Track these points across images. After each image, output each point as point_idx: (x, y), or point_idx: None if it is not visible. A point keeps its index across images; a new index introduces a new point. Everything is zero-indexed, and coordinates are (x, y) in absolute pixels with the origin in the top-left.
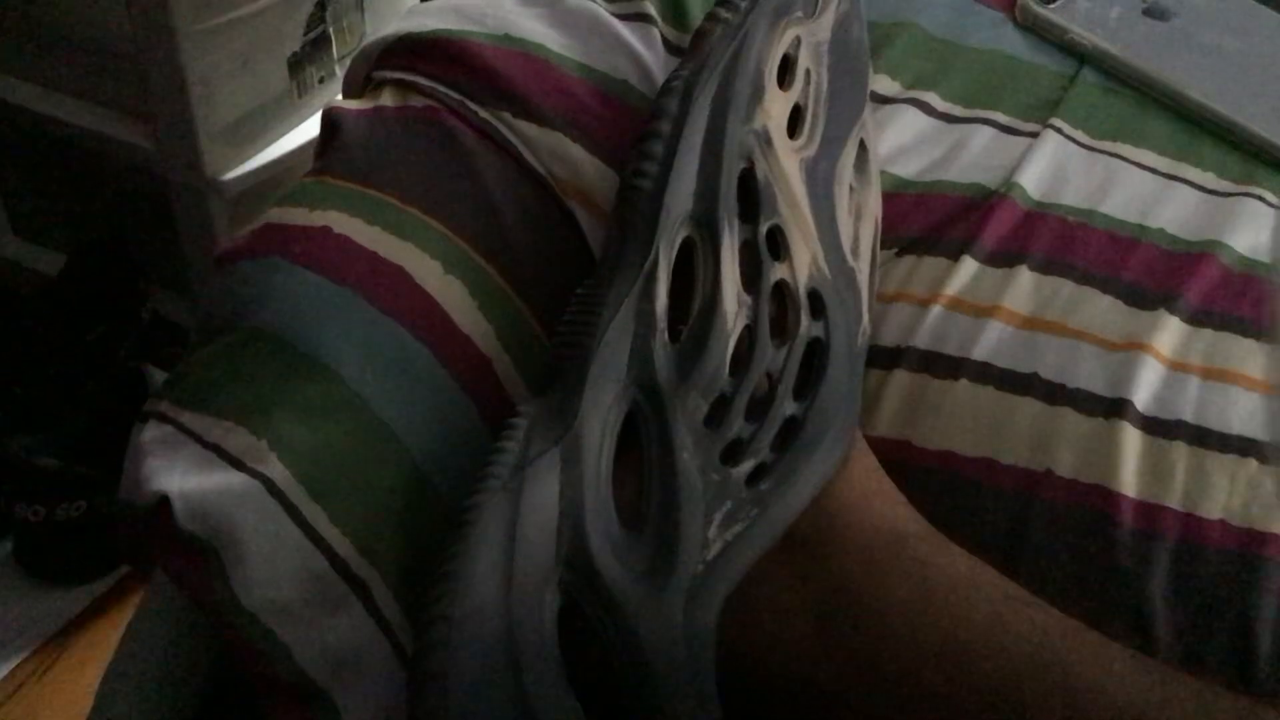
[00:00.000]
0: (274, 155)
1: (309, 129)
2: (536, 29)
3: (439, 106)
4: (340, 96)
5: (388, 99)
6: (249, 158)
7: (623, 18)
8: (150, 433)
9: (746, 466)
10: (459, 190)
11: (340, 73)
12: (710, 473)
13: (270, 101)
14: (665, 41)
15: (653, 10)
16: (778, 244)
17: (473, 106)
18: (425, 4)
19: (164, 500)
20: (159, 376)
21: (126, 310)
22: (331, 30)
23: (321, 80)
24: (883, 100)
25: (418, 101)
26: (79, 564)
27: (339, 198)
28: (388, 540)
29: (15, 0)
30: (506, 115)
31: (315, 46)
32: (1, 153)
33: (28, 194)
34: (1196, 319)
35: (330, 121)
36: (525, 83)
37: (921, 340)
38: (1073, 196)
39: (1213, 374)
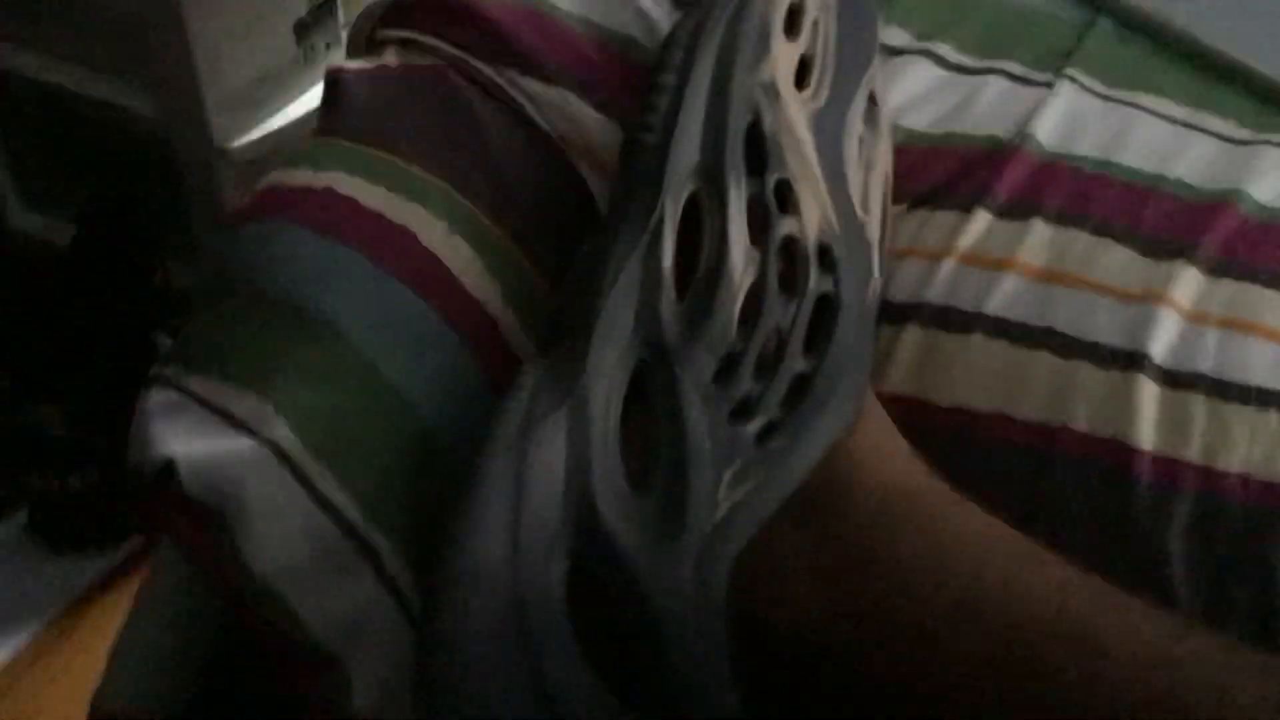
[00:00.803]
0: (282, 122)
1: (316, 96)
2: None
3: (443, 64)
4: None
5: (391, 58)
6: (256, 125)
7: None
8: (156, 398)
9: (756, 424)
10: (464, 148)
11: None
12: (719, 431)
13: (277, 68)
14: None
15: None
16: (786, 198)
17: (477, 64)
18: None
19: (170, 465)
20: (170, 344)
21: (136, 279)
22: None
23: (328, 46)
24: (893, 51)
25: (422, 60)
26: (94, 532)
27: (343, 158)
28: (396, 503)
29: None
30: (512, 73)
31: (321, 12)
32: (9, 124)
33: (36, 165)
34: (1216, 269)
35: (334, 82)
36: (530, 39)
37: (934, 295)
38: (1088, 147)
39: (1232, 325)
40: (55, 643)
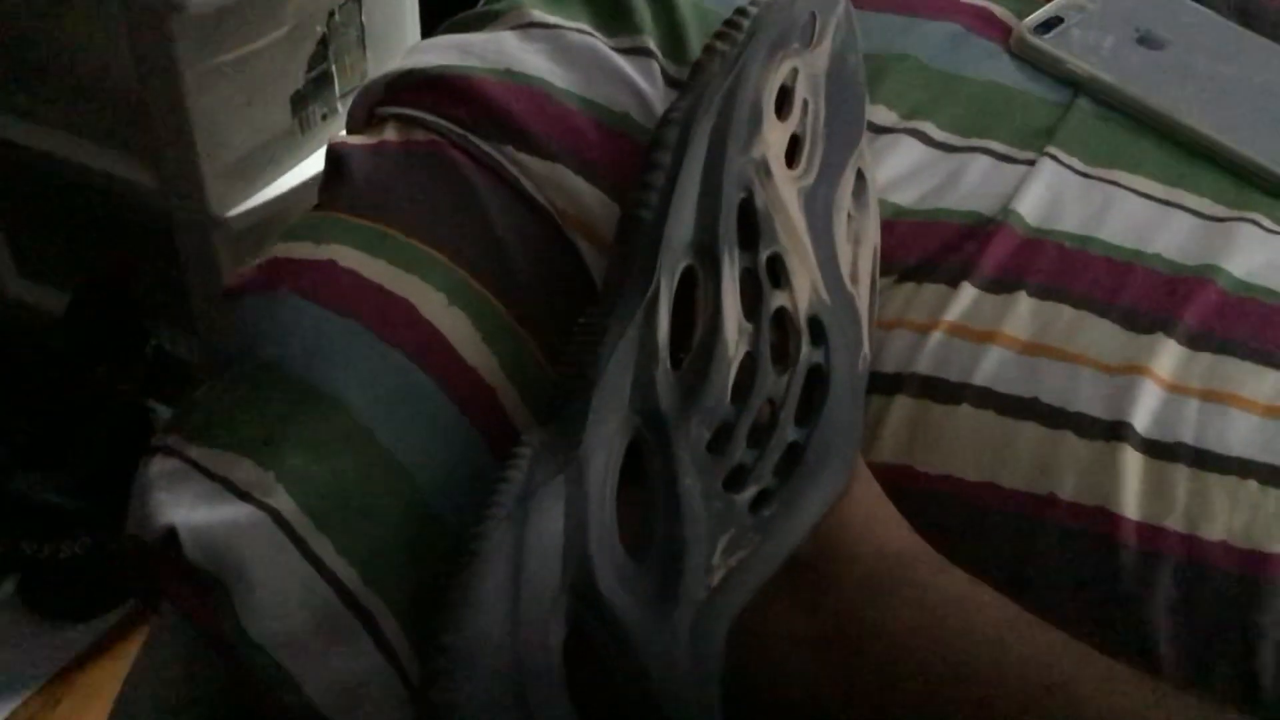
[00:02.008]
0: (278, 191)
1: (312, 165)
2: (538, 64)
3: (442, 141)
4: (344, 132)
5: (391, 134)
6: (253, 194)
7: (623, 52)
8: (157, 466)
9: (749, 493)
10: (463, 223)
11: (343, 109)
12: (713, 499)
13: (273, 138)
14: (665, 75)
15: (652, 45)
16: (778, 272)
17: (475, 140)
18: (428, 40)
19: (171, 533)
20: (164, 413)
21: (131, 347)
22: (334, 68)
23: (324, 117)
24: (880, 130)
25: (421, 136)
26: (84, 601)
27: (344, 232)
28: (394, 571)
29: (18, 41)
30: (509, 149)
31: (318, 84)
32: (6, 193)
33: (32, 233)
34: (1195, 342)
35: (335, 157)
36: (527, 117)
37: (922, 366)
38: (1070, 223)
39: (1212, 396)
40: (45, 710)
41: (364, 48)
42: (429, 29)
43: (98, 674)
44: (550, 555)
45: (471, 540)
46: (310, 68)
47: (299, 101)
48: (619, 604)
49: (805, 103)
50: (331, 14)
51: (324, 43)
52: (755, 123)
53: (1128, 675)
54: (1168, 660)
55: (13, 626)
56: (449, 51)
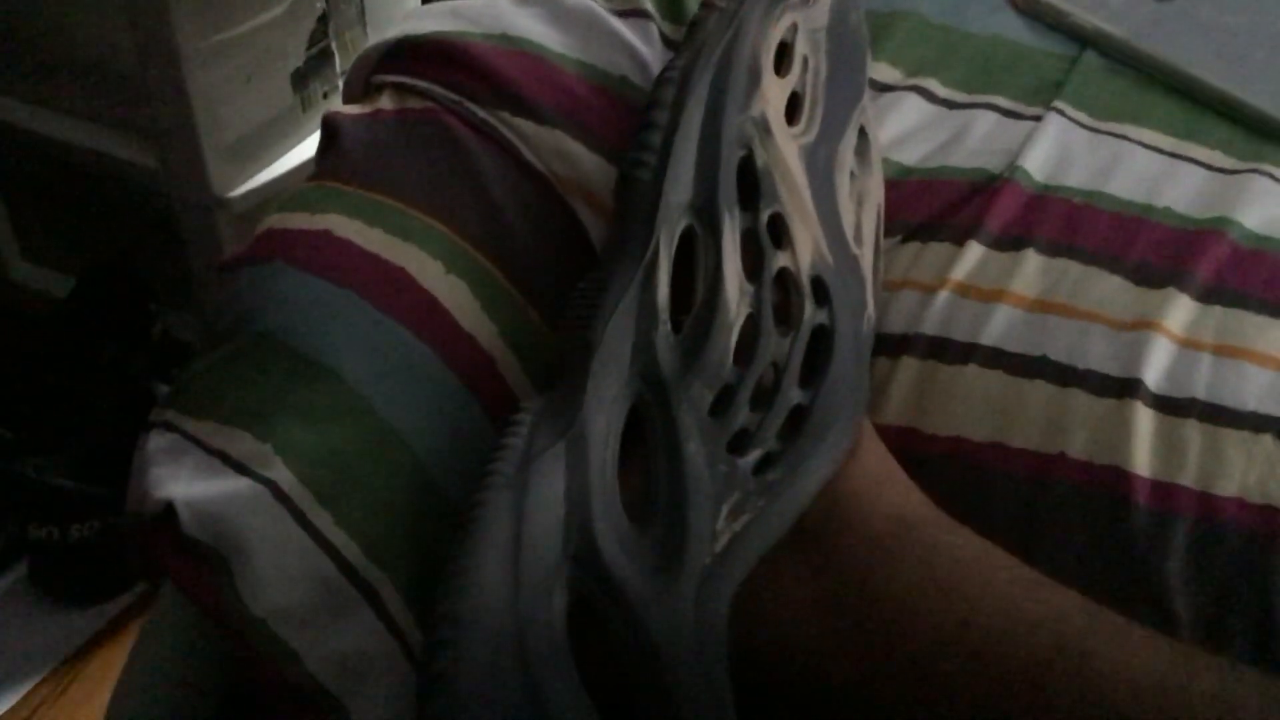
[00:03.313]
0: (280, 171)
1: (314, 144)
2: (534, 28)
3: (438, 107)
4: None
5: (386, 102)
6: (255, 174)
7: (620, 14)
8: (155, 441)
9: (753, 456)
10: (459, 190)
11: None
12: (717, 464)
13: (275, 117)
14: (663, 37)
15: (649, 6)
16: (779, 231)
17: (471, 106)
18: (424, 7)
19: (169, 508)
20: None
21: (136, 330)
22: (334, 44)
23: (325, 95)
24: (884, 88)
25: (416, 103)
26: (94, 584)
27: (339, 201)
28: (395, 543)
29: (18, 24)
30: (505, 114)
31: (318, 61)
32: (9, 177)
33: (36, 217)
34: (1207, 296)
35: (330, 127)
36: (523, 81)
37: (929, 327)
38: (1078, 178)
39: (1225, 351)
40: (56, 693)
41: (364, 24)
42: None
43: (108, 658)
44: (551, 522)
45: (471, 508)
46: (310, 45)
47: (300, 79)
48: (621, 570)
49: (805, 59)
50: None
51: (324, 20)
52: (754, 80)
53: (1142, 634)
54: (1182, 619)
55: (22, 611)
56: (444, 18)
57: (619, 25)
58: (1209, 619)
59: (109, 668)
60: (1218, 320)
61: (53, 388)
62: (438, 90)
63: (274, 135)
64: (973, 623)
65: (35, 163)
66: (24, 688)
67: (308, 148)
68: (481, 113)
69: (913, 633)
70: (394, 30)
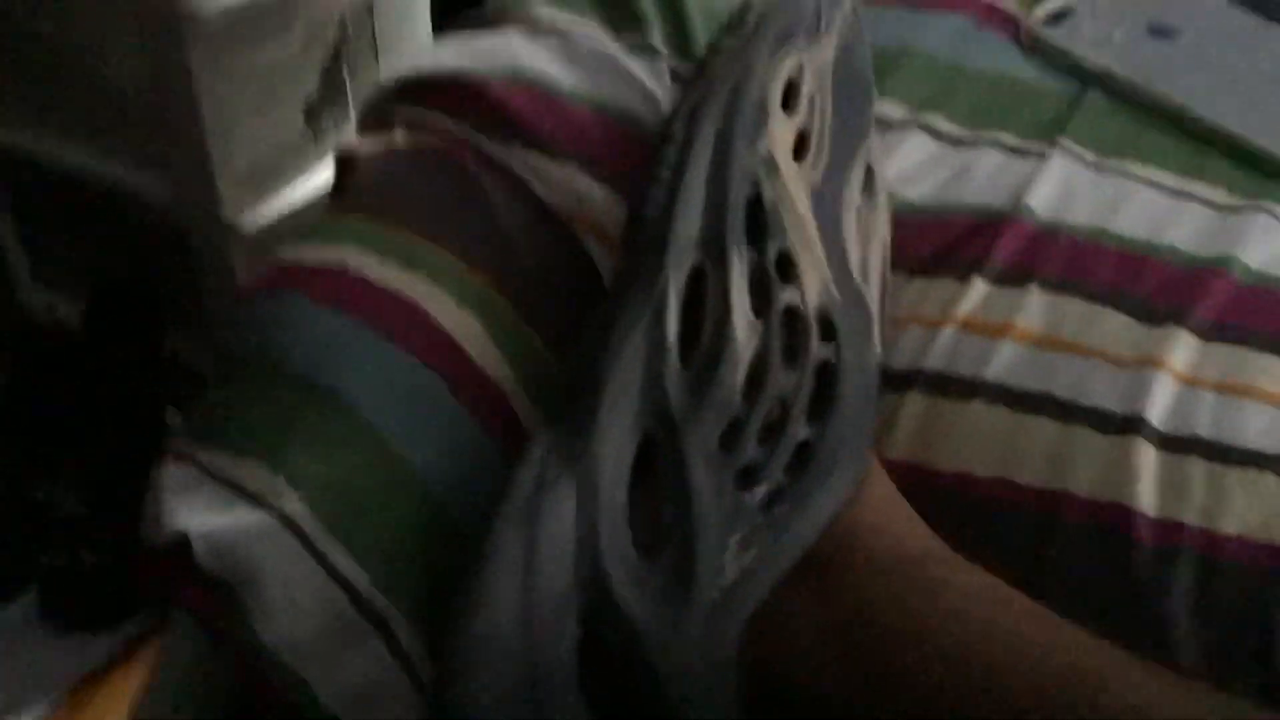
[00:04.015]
0: (293, 199)
1: (326, 173)
2: (545, 65)
3: (450, 142)
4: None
5: (400, 137)
6: (267, 201)
7: (630, 50)
8: (169, 472)
9: (761, 491)
10: (471, 224)
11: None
12: (725, 498)
13: (287, 146)
14: (672, 73)
15: (659, 43)
16: (787, 268)
17: (484, 142)
18: (437, 43)
19: (183, 539)
20: (181, 419)
21: (147, 356)
22: (347, 76)
23: (337, 125)
24: (889, 125)
25: (430, 138)
26: (105, 610)
27: (354, 235)
28: (406, 574)
29: (32, 52)
30: (517, 149)
31: (331, 92)
32: (21, 202)
33: (48, 243)
34: (1210, 334)
35: (344, 160)
36: (535, 117)
37: (934, 362)
38: (1082, 215)
39: (1228, 388)
40: None
41: (377, 55)
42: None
43: (118, 684)
44: (562, 555)
45: (483, 541)
46: (323, 76)
47: (312, 110)
48: (631, 603)
49: (812, 98)
50: (344, 23)
51: (337, 51)
52: (761, 118)
53: (1148, 669)
54: (1186, 656)
55: (33, 637)
56: (457, 54)
57: (630, 63)
58: (1213, 655)
59: (120, 694)
60: (1221, 358)
61: (63, 413)
62: (450, 125)
63: (286, 164)
64: (979, 656)
65: (48, 189)
66: (34, 714)
67: (319, 176)
68: (494, 148)
69: (920, 666)
70: (408, 65)
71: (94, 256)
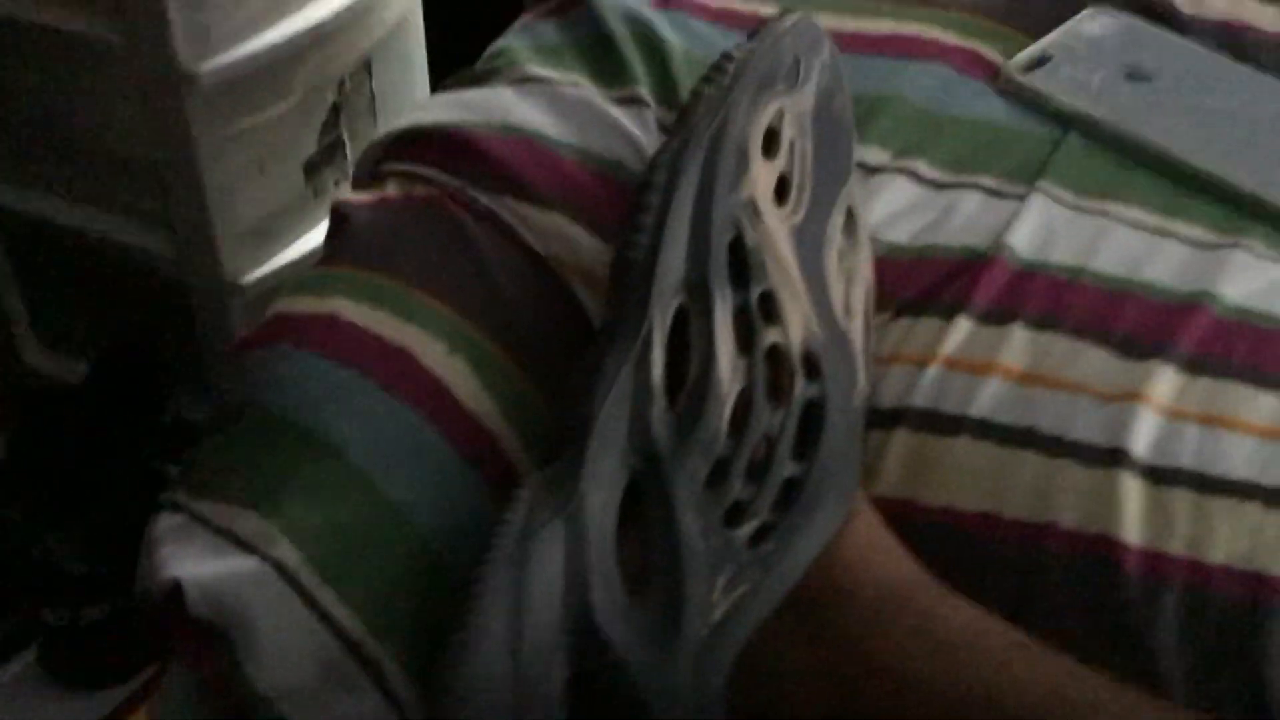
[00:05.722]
0: (293, 256)
1: (325, 231)
2: (534, 116)
3: (441, 193)
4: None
5: (392, 189)
6: (268, 260)
7: (617, 102)
8: (164, 522)
9: (748, 528)
10: (462, 272)
11: None
12: (712, 536)
13: (288, 205)
14: (659, 124)
15: (646, 94)
16: (770, 308)
17: (474, 192)
18: (430, 98)
19: (177, 587)
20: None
21: (149, 415)
22: (346, 135)
23: (337, 183)
24: (872, 170)
25: (421, 190)
26: (105, 667)
27: (345, 285)
28: (398, 618)
29: (34, 114)
30: (507, 199)
31: (330, 150)
32: (24, 263)
33: (51, 303)
34: (1191, 367)
35: (338, 213)
36: (524, 168)
37: (920, 400)
38: (1062, 255)
39: (1210, 420)
40: None
41: (374, 115)
42: None
43: None
44: (550, 595)
45: (472, 583)
46: (322, 135)
47: (312, 168)
48: (620, 643)
49: (792, 143)
50: (342, 82)
51: (335, 110)
52: (742, 163)
53: (1137, 698)
54: (1173, 686)
55: (34, 695)
56: (448, 108)
57: (616, 113)
58: (1200, 685)
59: None
60: (1202, 391)
61: (66, 471)
62: (441, 177)
63: (287, 222)
64: (968, 689)
65: (50, 249)
66: None
67: (320, 234)
68: (483, 198)
69: (909, 700)
70: (401, 120)
71: (96, 316)
